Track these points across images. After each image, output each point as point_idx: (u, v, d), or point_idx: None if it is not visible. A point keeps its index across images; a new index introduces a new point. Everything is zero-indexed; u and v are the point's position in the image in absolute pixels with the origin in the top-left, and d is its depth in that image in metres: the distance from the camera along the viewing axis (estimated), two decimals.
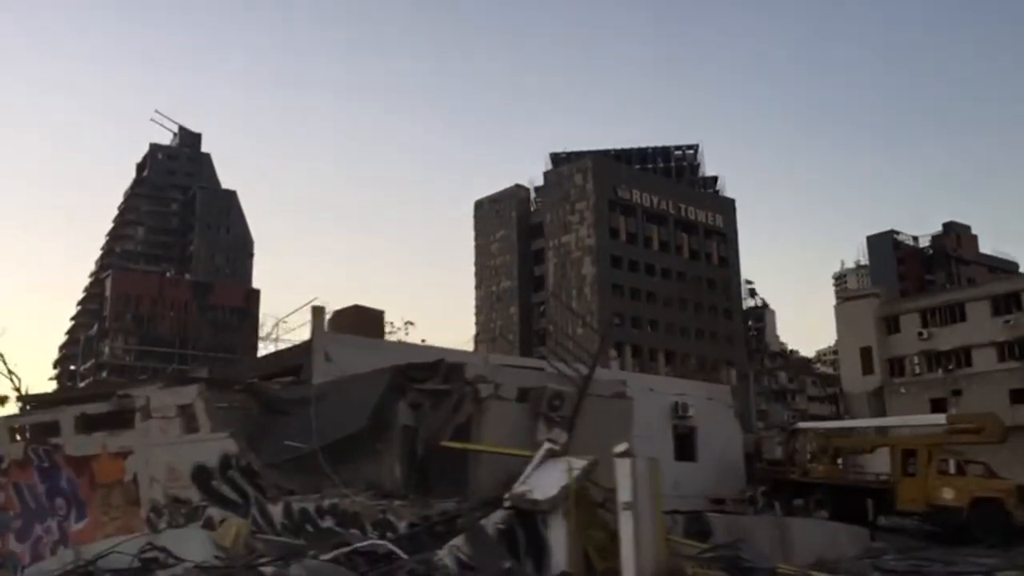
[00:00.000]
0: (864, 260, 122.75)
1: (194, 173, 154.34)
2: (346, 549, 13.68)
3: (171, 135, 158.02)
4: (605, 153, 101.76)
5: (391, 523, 14.68)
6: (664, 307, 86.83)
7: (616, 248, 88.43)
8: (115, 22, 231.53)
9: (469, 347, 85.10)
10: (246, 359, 73.99)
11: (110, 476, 19.41)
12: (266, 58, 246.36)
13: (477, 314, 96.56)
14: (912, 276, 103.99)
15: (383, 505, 15.13)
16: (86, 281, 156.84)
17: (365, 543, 13.95)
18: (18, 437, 21.84)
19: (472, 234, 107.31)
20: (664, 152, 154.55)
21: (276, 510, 16.15)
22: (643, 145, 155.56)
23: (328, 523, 15.41)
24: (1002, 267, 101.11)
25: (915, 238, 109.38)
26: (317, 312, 22.29)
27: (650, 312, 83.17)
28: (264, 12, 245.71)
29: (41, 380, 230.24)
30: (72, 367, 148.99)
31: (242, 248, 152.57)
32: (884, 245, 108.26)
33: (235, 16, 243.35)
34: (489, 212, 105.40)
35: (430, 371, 17.57)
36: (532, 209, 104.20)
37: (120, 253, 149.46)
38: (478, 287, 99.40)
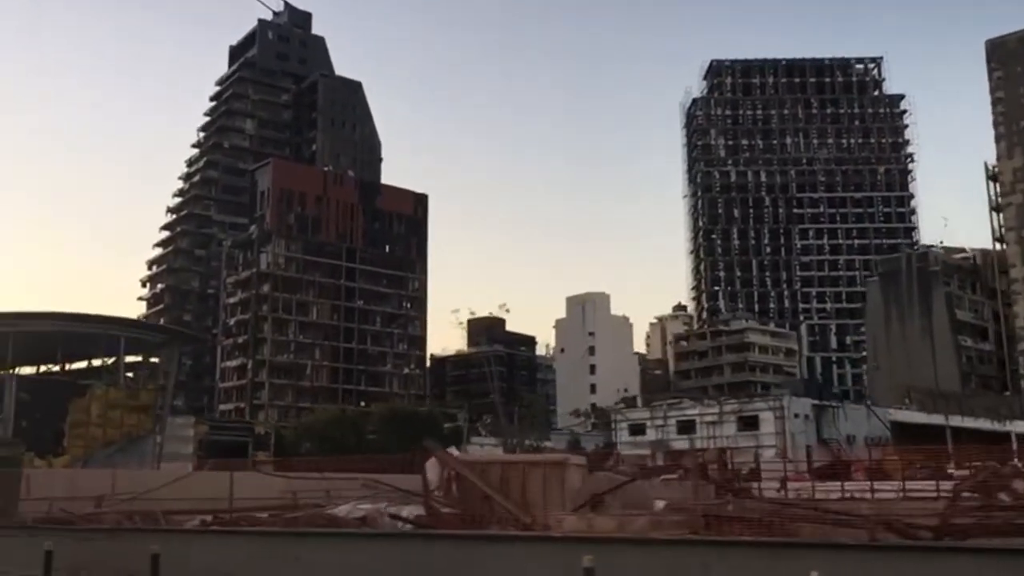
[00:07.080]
0: None
1: (307, 60, 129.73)
2: None
3: (271, 14, 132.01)
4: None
5: None
6: None
7: None
8: None
9: None
10: None
11: None
12: None
13: (1006, 193, 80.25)
14: None
15: None
16: (175, 171, 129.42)
17: None
18: None
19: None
20: (844, 64, 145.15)
21: None
22: (819, 56, 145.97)
23: None
24: None
25: None
26: None
27: None
28: None
29: (130, 296, 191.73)
30: (157, 287, 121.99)
31: (370, 149, 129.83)
32: None
33: None
34: (1021, 53, 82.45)
35: None
36: None
37: (228, 149, 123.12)
38: (1006, 156, 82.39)
